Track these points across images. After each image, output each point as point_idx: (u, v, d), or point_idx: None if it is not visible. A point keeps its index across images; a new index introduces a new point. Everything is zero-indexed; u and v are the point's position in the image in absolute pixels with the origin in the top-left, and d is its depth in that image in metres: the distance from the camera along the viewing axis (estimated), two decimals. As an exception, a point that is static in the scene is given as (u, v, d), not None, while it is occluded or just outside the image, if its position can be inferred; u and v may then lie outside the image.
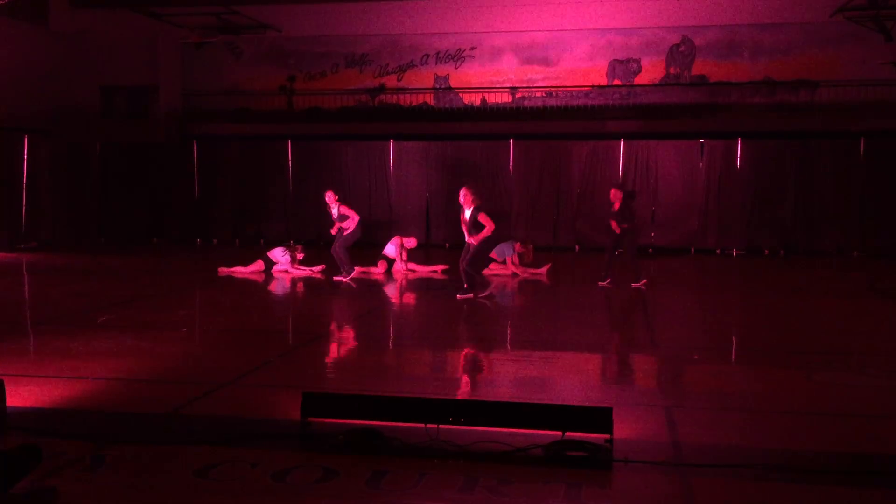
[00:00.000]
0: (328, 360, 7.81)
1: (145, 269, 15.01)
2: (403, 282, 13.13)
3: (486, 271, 13.55)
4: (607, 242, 12.37)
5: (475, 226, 10.60)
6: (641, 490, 4.19)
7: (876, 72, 18.86)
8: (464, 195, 10.71)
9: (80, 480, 4.26)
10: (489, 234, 10.59)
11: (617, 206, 12.03)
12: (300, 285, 12.59)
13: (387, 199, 19.27)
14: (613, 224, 11.98)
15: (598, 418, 4.57)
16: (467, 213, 10.69)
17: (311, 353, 8.05)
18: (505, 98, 21.03)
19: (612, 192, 12.23)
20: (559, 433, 4.60)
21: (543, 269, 13.70)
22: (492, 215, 10.74)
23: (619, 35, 20.52)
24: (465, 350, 8.18)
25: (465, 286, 10.81)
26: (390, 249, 13.94)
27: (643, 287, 11.91)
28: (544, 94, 20.86)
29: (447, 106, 21.30)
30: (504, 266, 13.58)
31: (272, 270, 13.53)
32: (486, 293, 11.00)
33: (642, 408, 5.73)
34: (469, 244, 10.75)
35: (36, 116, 19.54)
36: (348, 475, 4.31)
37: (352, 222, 12.47)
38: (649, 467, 4.44)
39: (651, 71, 20.47)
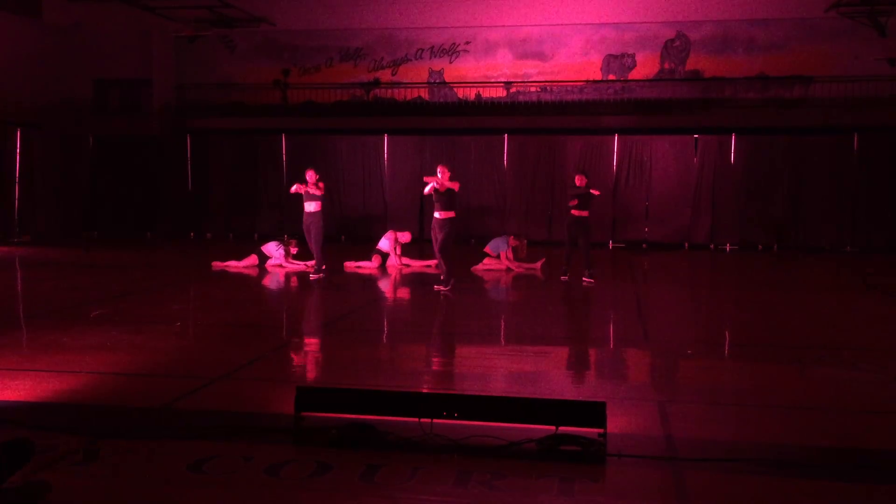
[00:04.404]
0: (322, 354, 7.80)
1: (139, 262, 14.98)
2: (397, 276, 13.13)
3: (481, 266, 13.58)
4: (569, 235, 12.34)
5: (449, 196, 10.75)
6: (634, 484, 4.20)
7: (870, 67, 18.89)
8: (442, 171, 10.83)
9: (72, 474, 4.25)
10: (456, 188, 10.83)
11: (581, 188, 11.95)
12: (294, 280, 12.58)
13: (381, 193, 19.27)
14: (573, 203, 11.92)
15: (592, 413, 4.58)
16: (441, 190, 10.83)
17: (304, 348, 8.05)
18: (499, 93, 21.02)
19: (578, 177, 12.10)
20: (553, 428, 4.61)
21: (538, 264, 13.71)
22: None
23: (614, 30, 20.52)
24: (459, 344, 8.18)
25: (442, 277, 10.97)
26: (384, 244, 13.94)
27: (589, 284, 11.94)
28: (539, 89, 20.84)
29: (442, 100, 21.27)
30: (498, 261, 13.59)
31: (266, 265, 13.52)
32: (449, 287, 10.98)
33: (636, 402, 5.74)
34: (437, 225, 10.90)
35: (29, 109, 19.46)
36: (342, 469, 4.31)
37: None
38: (642, 462, 4.45)
39: (646, 66, 20.47)
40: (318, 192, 12.11)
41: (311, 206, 12.14)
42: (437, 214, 10.92)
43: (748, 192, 18.02)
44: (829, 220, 17.72)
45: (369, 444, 4.64)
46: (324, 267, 12.43)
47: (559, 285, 11.95)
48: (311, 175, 12.18)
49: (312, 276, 12.25)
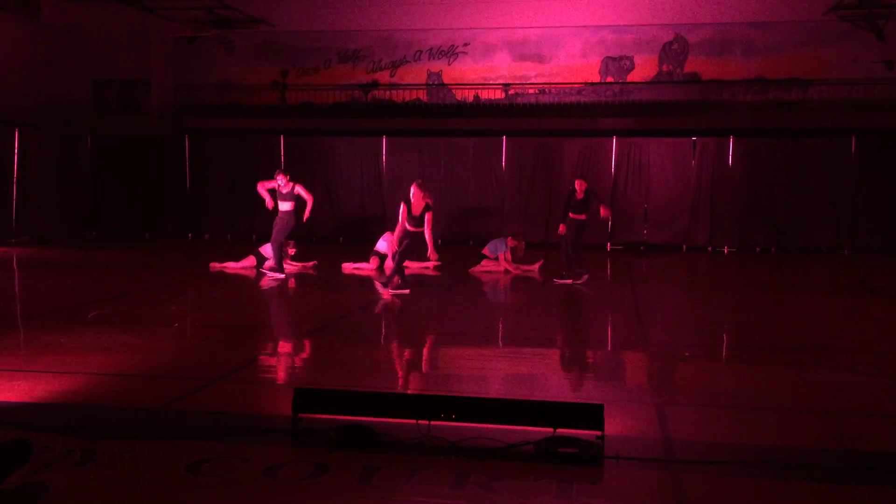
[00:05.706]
0: (320, 355, 7.80)
1: (137, 263, 14.97)
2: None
3: (478, 268, 13.59)
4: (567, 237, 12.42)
5: (421, 219, 10.85)
6: (632, 486, 4.20)
7: (867, 70, 18.94)
8: (415, 189, 10.91)
9: (70, 475, 4.25)
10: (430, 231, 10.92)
11: (580, 195, 12.15)
12: (292, 281, 12.57)
13: (379, 194, 19.26)
14: (571, 214, 12.16)
15: (590, 415, 4.58)
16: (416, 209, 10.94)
17: (302, 349, 8.05)
18: (498, 95, 21.03)
19: (577, 182, 12.29)
20: (550, 430, 4.61)
21: (535, 266, 13.71)
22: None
23: (613, 32, 20.55)
24: (457, 346, 8.18)
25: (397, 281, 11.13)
26: (382, 245, 13.93)
27: (584, 283, 12.00)
28: (537, 91, 20.86)
29: (440, 102, 21.29)
30: (496, 263, 13.59)
31: (264, 265, 13.50)
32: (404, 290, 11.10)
33: (634, 405, 5.75)
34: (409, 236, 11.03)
35: (27, 110, 19.45)
36: (340, 471, 4.31)
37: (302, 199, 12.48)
38: (640, 464, 4.45)
39: (644, 68, 20.51)
40: (288, 190, 12.47)
41: (285, 206, 12.53)
42: (408, 227, 11.06)
43: (746, 194, 18.03)
44: (827, 222, 17.74)
45: (367, 445, 4.64)
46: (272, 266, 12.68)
47: (557, 287, 11.95)
48: (281, 178, 12.52)
49: (263, 270, 12.67)
